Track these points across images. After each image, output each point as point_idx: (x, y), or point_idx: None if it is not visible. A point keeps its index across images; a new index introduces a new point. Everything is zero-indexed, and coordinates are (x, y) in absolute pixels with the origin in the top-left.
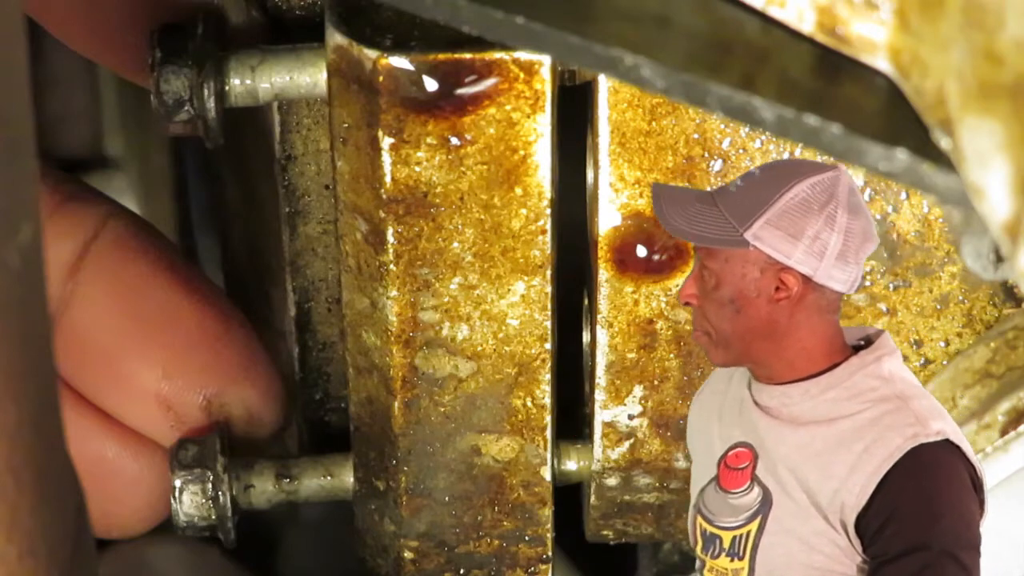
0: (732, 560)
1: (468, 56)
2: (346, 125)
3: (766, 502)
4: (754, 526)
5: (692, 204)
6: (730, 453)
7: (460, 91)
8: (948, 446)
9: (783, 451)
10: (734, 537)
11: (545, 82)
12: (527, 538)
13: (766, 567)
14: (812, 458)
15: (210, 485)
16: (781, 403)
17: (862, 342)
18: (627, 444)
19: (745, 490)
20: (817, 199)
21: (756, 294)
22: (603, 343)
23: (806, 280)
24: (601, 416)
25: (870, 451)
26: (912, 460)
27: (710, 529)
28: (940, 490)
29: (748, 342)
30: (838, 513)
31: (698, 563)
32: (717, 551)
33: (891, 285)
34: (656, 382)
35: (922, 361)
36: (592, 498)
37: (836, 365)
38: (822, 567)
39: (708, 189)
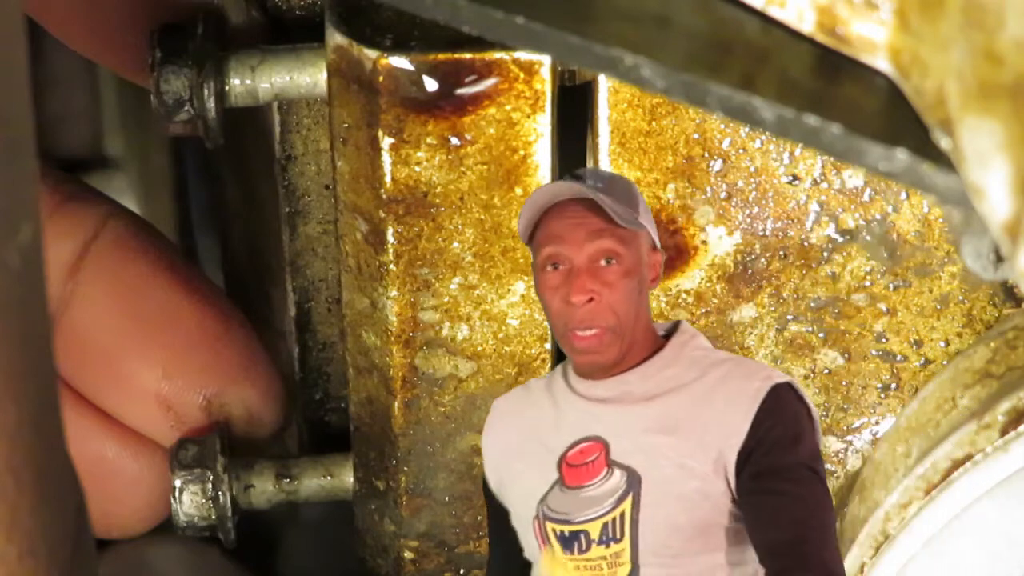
0: (608, 546)
1: (468, 56)
2: (346, 125)
3: (633, 480)
4: (627, 505)
5: (587, 198)
6: (571, 453)
7: (460, 91)
8: (792, 387)
9: (640, 428)
10: (605, 524)
11: (545, 82)
12: None
13: (651, 538)
14: (677, 423)
15: (210, 485)
16: (622, 391)
17: (668, 330)
18: None
19: (603, 478)
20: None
21: (646, 276)
22: None
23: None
24: None
25: (735, 398)
26: (773, 398)
27: (569, 528)
28: (799, 419)
29: (636, 327)
30: (718, 460)
31: (542, 571)
32: (585, 545)
33: (891, 285)
34: None
35: (922, 361)
36: None
37: (658, 349)
38: (706, 523)
39: (581, 189)
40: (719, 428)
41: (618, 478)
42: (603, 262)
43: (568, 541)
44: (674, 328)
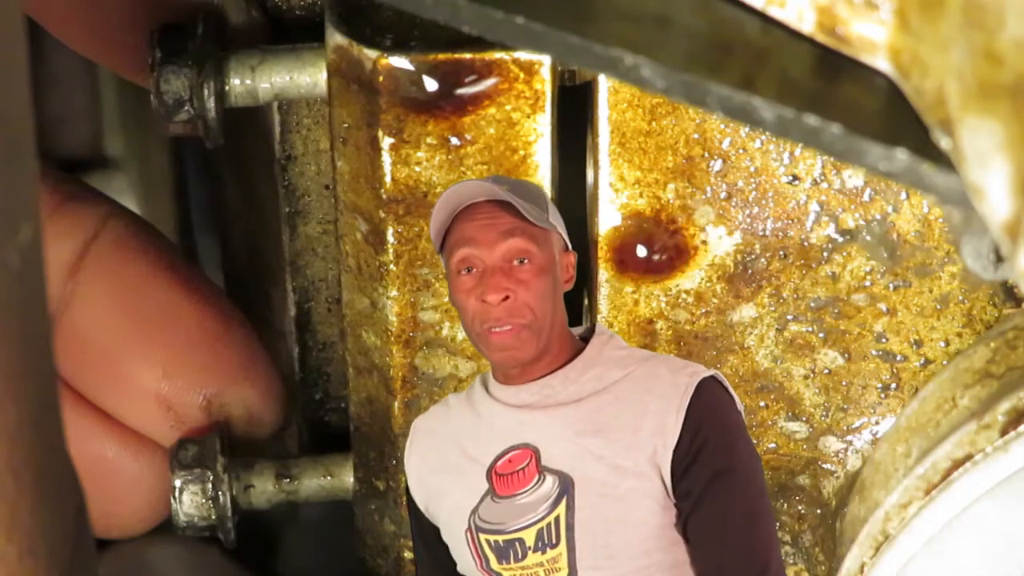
0: (544, 552)
1: (468, 56)
2: (346, 125)
3: (566, 484)
4: (561, 509)
5: (496, 199)
6: (499, 463)
7: (460, 91)
8: (718, 379)
9: (569, 432)
10: (540, 530)
11: (545, 82)
12: None
13: (588, 541)
14: (606, 423)
15: (210, 485)
16: (544, 395)
17: (585, 333)
18: None
19: (535, 485)
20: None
21: (560, 277)
22: None
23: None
24: None
25: (664, 395)
26: (702, 394)
27: (503, 538)
28: (730, 415)
29: (553, 326)
30: (652, 459)
31: None
32: (521, 553)
33: (891, 285)
34: None
35: (922, 361)
36: None
37: (578, 351)
38: (641, 523)
39: (491, 189)
40: (651, 427)
41: (550, 483)
42: (516, 261)
43: (503, 551)
44: (591, 331)
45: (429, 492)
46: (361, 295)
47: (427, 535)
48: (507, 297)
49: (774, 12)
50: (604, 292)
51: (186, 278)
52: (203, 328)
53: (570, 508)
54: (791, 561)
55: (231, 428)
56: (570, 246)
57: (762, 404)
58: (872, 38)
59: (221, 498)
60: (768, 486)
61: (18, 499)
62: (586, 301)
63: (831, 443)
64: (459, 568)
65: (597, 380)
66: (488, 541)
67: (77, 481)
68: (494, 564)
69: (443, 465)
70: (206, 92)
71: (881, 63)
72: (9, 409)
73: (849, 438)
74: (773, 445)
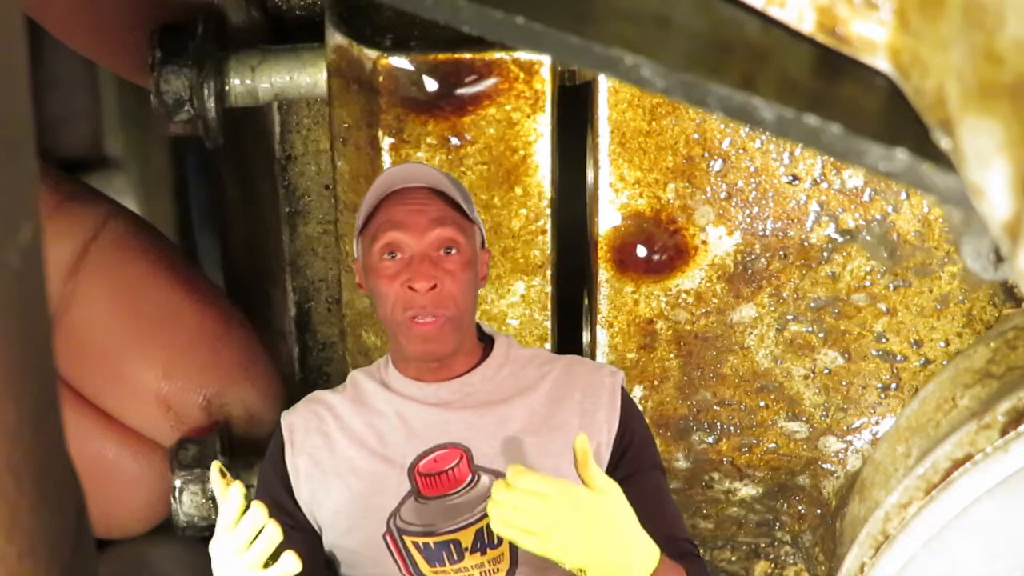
0: (484, 552)
1: (468, 56)
2: (346, 125)
3: None
4: None
5: (428, 186)
6: (422, 463)
7: (460, 91)
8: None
9: (504, 431)
10: (479, 530)
11: (545, 82)
12: None
13: None
14: (542, 422)
15: (210, 485)
16: (466, 394)
17: (480, 332)
18: None
19: (468, 485)
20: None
21: (480, 271)
22: (603, 343)
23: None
24: None
25: (594, 394)
26: (624, 392)
27: (435, 540)
28: (642, 415)
29: (470, 323)
30: (596, 454)
31: None
32: (457, 555)
33: (891, 285)
34: (656, 382)
35: (922, 361)
36: None
37: (487, 350)
38: None
39: (424, 172)
40: (589, 424)
41: (487, 483)
42: (444, 251)
43: (435, 553)
44: (478, 328)
45: (323, 497)
46: (361, 295)
47: (300, 537)
48: (435, 286)
49: (774, 12)
50: (604, 292)
51: (186, 278)
52: (203, 328)
53: None
54: (791, 561)
55: (231, 428)
56: (486, 244)
57: (762, 404)
58: (872, 38)
59: None
60: (768, 486)
61: (18, 499)
62: (586, 301)
63: (831, 443)
64: (356, 572)
65: (514, 379)
66: (416, 543)
67: (77, 481)
68: (423, 567)
69: (344, 468)
70: (206, 92)
71: (881, 63)
72: (9, 409)
73: (849, 438)
74: (773, 445)
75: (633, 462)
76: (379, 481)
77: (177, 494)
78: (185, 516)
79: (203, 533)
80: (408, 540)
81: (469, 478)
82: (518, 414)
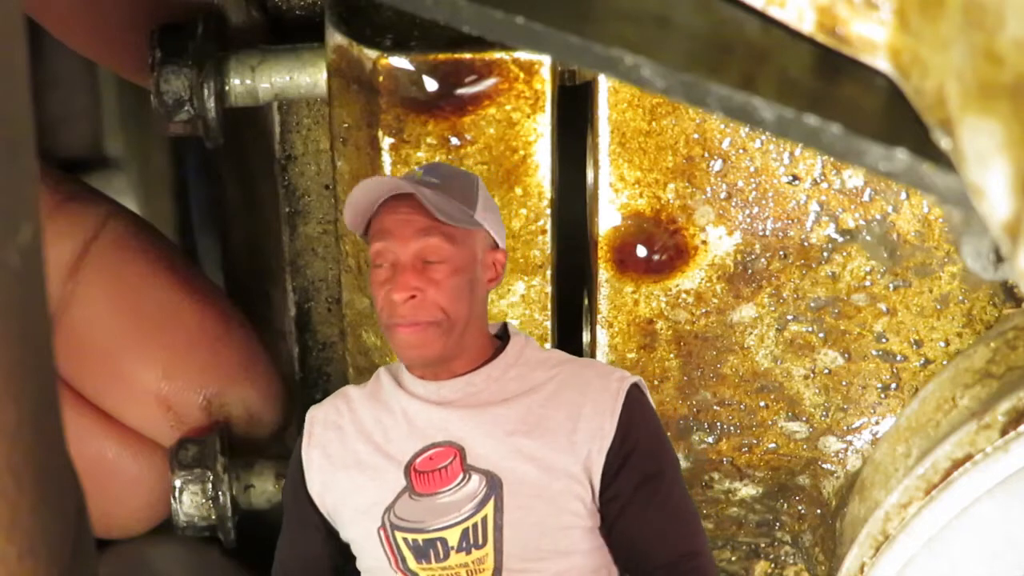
0: (469, 552)
1: (468, 56)
2: (346, 125)
3: (494, 484)
4: (489, 510)
5: (408, 190)
6: (419, 460)
7: (460, 91)
8: (639, 386)
9: (499, 431)
10: (465, 530)
11: (545, 82)
12: None
13: (518, 542)
14: (538, 424)
15: (210, 485)
16: (468, 393)
17: (499, 331)
18: None
19: (459, 483)
20: (490, 197)
21: (482, 275)
22: (603, 343)
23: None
24: None
25: (597, 399)
26: (632, 398)
27: (423, 537)
28: (655, 420)
29: (467, 326)
30: (585, 462)
31: None
32: (443, 553)
33: (891, 285)
34: (656, 382)
35: (922, 361)
36: None
37: (499, 351)
38: (570, 525)
39: (405, 185)
40: (585, 430)
41: (477, 483)
42: (429, 261)
43: (422, 550)
44: (503, 329)
45: (331, 487)
46: (361, 295)
47: (306, 521)
48: (413, 296)
49: (774, 12)
50: (604, 292)
51: (186, 278)
52: (203, 328)
53: (499, 509)
54: (791, 561)
55: (231, 428)
56: (500, 243)
57: (762, 404)
58: (872, 38)
59: (221, 498)
60: (768, 486)
61: (18, 499)
62: (586, 301)
63: (831, 443)
64: (361, 564)
65: (521, 380)
66: (405, 539)
67: (77, 481)
68: (411, 564)
69: (351, 461)
70: (206, 92)
71: (881, 63)
72: (9, 409)
73: (849, 438)
74: (773, 445)
75: (636, 471)
76: (379, 475)
77: (177, 494)
78: (185, 516)
79: (203, 533)
80: (399, 536)
81: (460, 477)
82: (514, 415)
